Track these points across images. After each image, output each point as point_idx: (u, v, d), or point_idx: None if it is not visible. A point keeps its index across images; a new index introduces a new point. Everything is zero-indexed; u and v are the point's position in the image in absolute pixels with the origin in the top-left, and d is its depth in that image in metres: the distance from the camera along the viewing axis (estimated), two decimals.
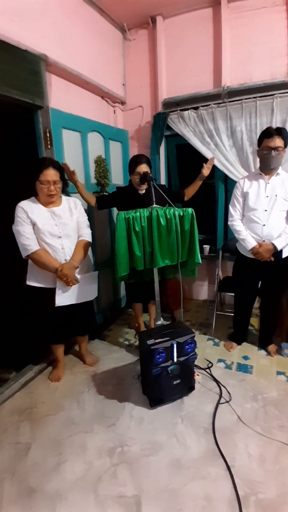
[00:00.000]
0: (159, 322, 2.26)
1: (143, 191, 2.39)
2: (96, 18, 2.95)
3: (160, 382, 1.95)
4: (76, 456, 1.68)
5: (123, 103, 3.52)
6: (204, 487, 1.48)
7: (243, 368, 2.40)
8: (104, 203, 2.53)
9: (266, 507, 1.38)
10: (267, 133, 2.11)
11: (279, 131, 2.09)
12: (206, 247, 3.50)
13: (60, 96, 2.52)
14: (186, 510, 1.39)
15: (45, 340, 2.35)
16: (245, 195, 2.28)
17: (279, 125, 2.65)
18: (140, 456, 1.67)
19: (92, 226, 2.33)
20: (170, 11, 3.13)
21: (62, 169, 2.04)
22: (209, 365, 2.43)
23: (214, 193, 3.44)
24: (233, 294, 2.73)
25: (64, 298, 2.07)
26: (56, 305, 2.04)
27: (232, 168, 3.02)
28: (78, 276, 2.09)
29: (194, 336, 2.02)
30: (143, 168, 2.31)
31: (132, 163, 2.36)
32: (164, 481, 1.53)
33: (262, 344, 2.65)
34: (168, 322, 2.62)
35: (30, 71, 2.15)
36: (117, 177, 3.29)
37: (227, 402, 2.04)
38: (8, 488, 1.51)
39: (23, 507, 1.42)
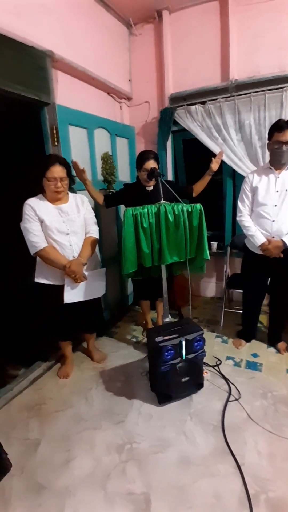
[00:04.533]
0: (166, 319, 2.25)
1: (151, 188, 2.37)
2: (101, 14, 2.92)
3: (169, 379, 1.94)
4: (84, 453, 1.69)
5: (129, 98, 3.49)
6: (213, 485, 1.47)
7: (252, 366, 2.38)
8: (112, 201, 2.52)
9: (276, 505, 1.36)
10: (278, 127, 2.06)
11: None
12: (214, 244, 3.46)
13: (66, 93, 2.50)
14: (196, 508, 1.38)
15: (54, 337, 2.36)
16: (254, 190, 2.25)
17: None
18: (149, 453, 1.66)
19: (99, 223, 2.32)
20: (176, 5, 3.08)
21: (68, 165, 2.03)
22: (218, 362, 2.42)
23: (222, 189, 3.40)
24: (241, 291, 2.70)
25: (72, 295, 2.07)
26: (64, 302, 2.04)
27: (241, 163, 2.98)
28: (86, 273, 2.08)
29: (202, 333, 2.01)
30: (151, 164, 2.27)
31: (140, 159, 2.33)
32: (173, 478, 1.52)
33: (272, 341, 2.61)
34: (176, 319, 2.61)
35: (36, 67, 2.14)
36: (124, 173, 3.27)
37: (236, 399, 2.02)
38: (17, 484, 1.52)
39: (32, 504, 1.43)
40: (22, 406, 2.06)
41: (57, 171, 1.93)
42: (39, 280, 2.09)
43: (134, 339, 2.90)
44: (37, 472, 1.58)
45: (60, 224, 2.01)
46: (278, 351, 2.53)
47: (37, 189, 2.04)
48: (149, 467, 1.58)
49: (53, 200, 2.03)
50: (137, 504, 1.41)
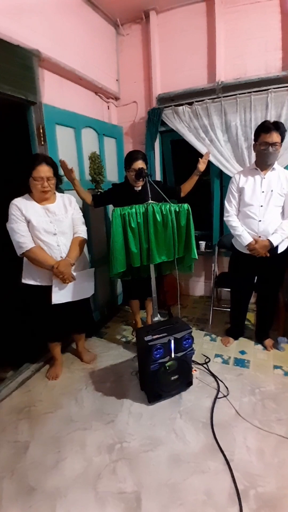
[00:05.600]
0: (156, 319, 2.26)
1: (139, 188, 2.38)
2: (89, 13, 2.91)
3: (158, 378, 1.95)
4: (75, 453, 1.68)
5: (117, 98, 3.49)
6: (204, 482, 1.49)
7: (240, 363, 2.41)
8: (100, 201, 2.52)
9: (265, 500, 1.39)
10: (265, 128, 2.08)
11: (276, 126, 2.06)
12: (202, 243, 3.49)
13: (53, 92, 2.49)
14: (186, 505, 1.39)
15: (42, 338, 2.34)
16: (240, 190, 2.28)
17: (273, 119, 2.65)
18: (140, 452, 1.67)
19: (88, 223, 2.31)
20: (163, 5, 3.10)
21: (55, 165, 2.01)
22: (207, 360, 2.44)
23: (210, 189, 3.43)
24: (229, 289, 2.73)
25: (60, 296, 2.06)
26: (52, 303, 2.02)
27: (227, 163, 3.01)
28: (75, 274, 2.07)
29: (191, 332, 2.02)
30: (139, 164, 2.28)
31: (128, 160, 2.34)
32: (164, 476, 1.53)
33: (259, 338, 2.66)
34: (165, 319, 2.62)
35: (22, 66, 2.12)
36: (112, 173, 3.27)
37: (225, 396, 2.05)
38: (7, 486, 1.51)
39: (23, 505, 1.42)
40: (11, 409, 2.03)
41: (44, 170, 1.91)
42: (27, 281, 2.07)
43: (124, 339, 2.90)
44: (28, 474, 1.57)
45: (47, 224, 1.99)
46: (265, 348, 2.57)
47: (24, 189, 2.02)
48: (140, 466, 1.59)
49: (40, 200, 2.01)
50: (128, 503, 1.41)
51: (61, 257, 2.03)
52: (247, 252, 2.28)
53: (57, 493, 1.47)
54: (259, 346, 2.61)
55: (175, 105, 3.12)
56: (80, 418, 1.93)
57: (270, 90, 2.71)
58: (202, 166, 2.44)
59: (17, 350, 2.62)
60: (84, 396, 2.13)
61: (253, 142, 2.23)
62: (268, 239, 2.19)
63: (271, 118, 2.72)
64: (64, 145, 2.55)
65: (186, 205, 2.03)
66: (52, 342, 2.33)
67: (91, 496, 1.45)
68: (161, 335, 1.95)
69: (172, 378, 2.01)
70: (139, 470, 1.57)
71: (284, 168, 2.43)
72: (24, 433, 1.83)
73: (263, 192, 2.19)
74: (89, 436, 1.79)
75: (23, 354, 2.55)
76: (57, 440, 1.77)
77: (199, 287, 3.82)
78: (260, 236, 2.23)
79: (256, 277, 2.47)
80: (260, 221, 2.21)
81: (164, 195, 2.07)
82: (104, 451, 1.69)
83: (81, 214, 2.22)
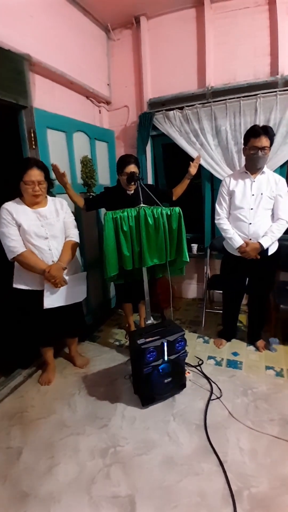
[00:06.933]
0: (149, 322, 2.26)
1: (132, 191, 2.39)
2: (79, 18, 2.93)
3: (151, 381, 1.95)
4: (68, 459, 1.67)
5: (108, 103, 3.51)
6: (197, 483, 1.49)
7: (233, 364, 2.43)
8: (92, 205, 2.52)
9: (259, 500, 1.39)
10: (254, 132, 2.11)
11: (265, 130, 2.09)
12: (194, 246, 3.52)
13: (45, 96, 2.49)
14: (181, 507, 1.39)
15: (34, 343, 2.32)
16: (231, 194, 2.30)
17: (262, 124, 2.69)
18: (133, 456, 1.67)
19: (80, 226, 2.31)
20: (153, 11, 3.14)
21: (47, 169, 2.01)
22: (200, 362, 2.45)
23: (201, 192, 3.46)
24: (221, 291, 2.75)
25: (52, 300, 2.05)
26: (44, 308, 2.01)
27: (218, 167, 3.05)
28: (66, 278, 2.07)
29: (184, 334, 2.03)
30: (132, 168, 2.30)
31: (121, 163, 2.35)
32: (158, 479, 1.53)
33: (251, 340, 2.68)
34: (158, 321, 2.63)
35: (13, 70, 2.12)
36: (104, 177, 3.28)
37: (218, 398, 2.06)
38: (0, 493, 1.49)
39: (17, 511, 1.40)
40: (3, 415, 2.01)
41: (35, 174, 1.91)
42: (18, 285, 2.06)
43: (117, 343, 2.89)
44: (21, 480, 1.55)
45: (38, 228, 1.98)
46: (257, 349, 2.59)
47: (15, 193, 2.01)
48: (134, 470, 1.59)
49: (31, 204, 2.00)
50: (122, 507, 1.41)
51: (52, 261, 2.03)
52: (238, 254, 2.30)
53: (50, 499, 1.45)
54: (251, 348, 2.64)
55: (166, 110, 3.15)
56: (73, 423, 1.92)
57: (259, 95, 2.76)
58: (193, 170, 2.47)
59: (9, 356, 2.59)
60: (77, 401, 2.12)
61: (242, 146, 2.26)
62: (258, 242, 2.22)
63: (260, 122, 2.76)
64: (56, 149, 2.55)
65: (177, 209, 2.05)
66: (44, 346, 2.32)
67: (85, 500, 1.44)
68: (154, 338, 1.95)
69: (165, 381, 2.01)
70: (133, 473, 1.57)
71: (274, 171, 2.47)
72: (17, 439, 1.81)
73: (253, 195, 2.22)
74: (83, 441, 1.78)
75: (15, 359, 2.53)
76: (50, 446, 1.76)
77: (191, 289, 3.83)
78: (250, 239, 2.25)
79: (247, 279, 2.50)
80: (250, 224, 2.23)
81: (156, 199, 2.09)
82: (97, 456, 1.68)
83: (73, 217, 2.22)
